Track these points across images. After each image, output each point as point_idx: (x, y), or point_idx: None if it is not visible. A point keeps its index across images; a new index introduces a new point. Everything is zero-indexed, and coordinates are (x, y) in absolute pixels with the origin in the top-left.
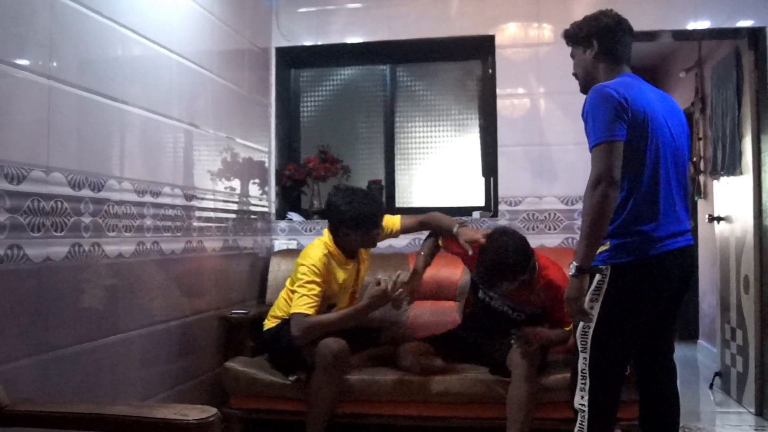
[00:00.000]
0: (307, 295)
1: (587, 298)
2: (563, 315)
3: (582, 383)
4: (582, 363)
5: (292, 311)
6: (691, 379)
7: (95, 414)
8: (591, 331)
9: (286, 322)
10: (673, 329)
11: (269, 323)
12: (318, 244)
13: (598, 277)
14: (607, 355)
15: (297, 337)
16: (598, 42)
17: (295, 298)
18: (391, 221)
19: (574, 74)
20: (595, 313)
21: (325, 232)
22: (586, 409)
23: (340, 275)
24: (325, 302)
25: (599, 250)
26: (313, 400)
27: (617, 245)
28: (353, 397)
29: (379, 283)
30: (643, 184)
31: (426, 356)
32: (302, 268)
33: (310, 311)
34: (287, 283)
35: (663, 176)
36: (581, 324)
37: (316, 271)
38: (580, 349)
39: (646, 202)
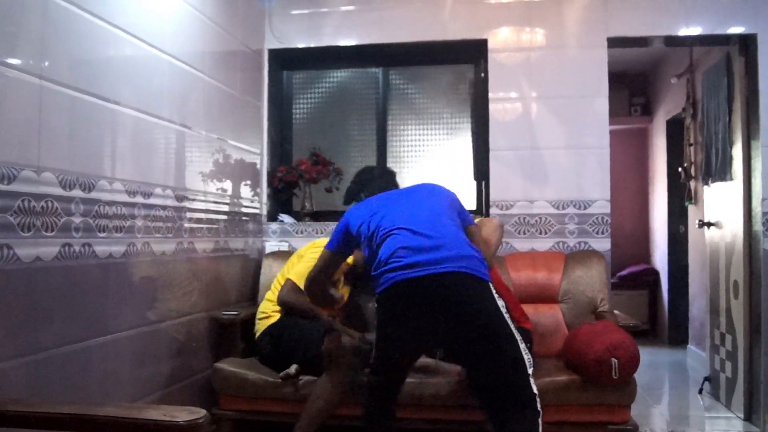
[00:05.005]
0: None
1: None
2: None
3: None
4: None
5: (291, 277)
6: (680, 384)
7: (84, 415)
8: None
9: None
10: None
11: (271, 319)
12: None
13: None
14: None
15: (282, 299)
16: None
17: (299, 266)
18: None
19: None
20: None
21: None
22: None
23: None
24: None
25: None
26: (320, 397)
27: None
28: None
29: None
30: (378, 246)
31: None
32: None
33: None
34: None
35: (396, 234)
36: None
37: None
38: None
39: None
